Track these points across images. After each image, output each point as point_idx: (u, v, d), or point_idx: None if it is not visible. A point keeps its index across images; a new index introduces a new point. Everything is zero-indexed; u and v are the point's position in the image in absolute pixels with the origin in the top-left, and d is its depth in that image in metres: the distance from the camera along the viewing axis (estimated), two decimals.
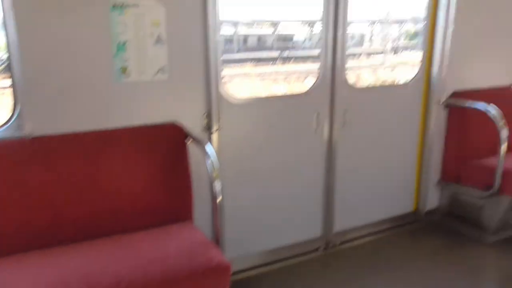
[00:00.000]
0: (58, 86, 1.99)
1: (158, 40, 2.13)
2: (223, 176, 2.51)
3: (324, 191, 2.99)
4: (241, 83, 9.34)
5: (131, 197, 2.15)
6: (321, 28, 2.68)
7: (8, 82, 1.99)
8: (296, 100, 2.79)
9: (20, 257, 1.84)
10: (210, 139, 2.44)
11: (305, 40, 15.38)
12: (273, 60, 11.85)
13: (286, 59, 12.00)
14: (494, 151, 2.89)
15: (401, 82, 3.30)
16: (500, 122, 2.85)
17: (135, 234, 2.05)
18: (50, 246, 1.92)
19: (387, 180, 3.24)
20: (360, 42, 17.64)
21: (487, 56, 3.34)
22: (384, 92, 3.16)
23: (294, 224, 2.93)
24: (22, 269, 1.75)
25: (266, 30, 13.08)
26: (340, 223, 3.09)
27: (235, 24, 11.50)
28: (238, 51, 12.21)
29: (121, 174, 2.13)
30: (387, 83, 7.14)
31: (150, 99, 2.23)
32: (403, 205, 3.39)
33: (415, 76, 3.17)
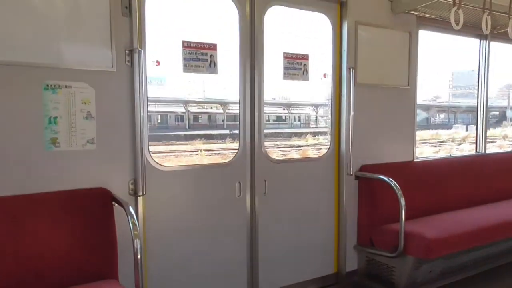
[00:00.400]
0: None
1: (88, 116, 2.44)
2: (150, 237, 2.72)
3: (248, 254, 3.21)
4: (190, 158, 9.62)
5: (56, 257, 2.28)
6: (239, 109, 3.12)
7: None
8: (220, 170, 3.11)
9: None
10: (136, 203, 2.67)
11: None
12: (222, 137, 12.41)
13: (235, 137, 12.60)
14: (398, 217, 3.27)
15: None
16: (399, 192, 3.28)
17: None
18: None
19: (308, 244, 3.51)
20: (307, 122, 18.92)
21: (389, 136, 3.88)
22: (301, 164, 3.57)
23: (219, 285, 3.08)
24: None
25: (217, 110, 13.89)
26: (266, 284, 3.27)
27: (186, 103, 12.19)
28: (189, 128, 12.80)
29: (48, 235, 2.28)
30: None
31: (79, 166, 2.46)
32: (325, 267, 3.64)
33: (327, 151, 3.63)
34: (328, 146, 3.64)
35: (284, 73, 3.29)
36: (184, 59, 2.80)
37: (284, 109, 17.95)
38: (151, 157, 2.77)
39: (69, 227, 2.34)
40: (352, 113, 3.51)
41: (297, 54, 3.33)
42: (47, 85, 2.31)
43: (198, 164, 3.17)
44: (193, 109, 13.19)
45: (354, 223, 3.71)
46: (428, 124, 22.51)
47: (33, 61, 2.28)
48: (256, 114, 3.17)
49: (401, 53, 3.84)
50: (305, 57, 3.37)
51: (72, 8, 2.38)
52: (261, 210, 3.23)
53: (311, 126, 18.27)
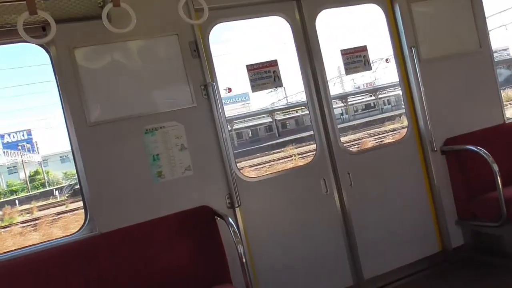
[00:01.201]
0: (115, 194, 2.78)
1: (182, 148, 2.92)
2: (253, 242, 3.07)
3: (347, 246, 3.38)
4: (285, 165, 9.97)
5: (178, 269, 2.74)
6: (308, 111, 3.36)
7: (77, 204, 2.81)
8: (303, 171, 3.37)
9: None
10: (235, 214, 3.05)
11: (342, 113, 16.16)
12: (313, 138, 12.59)
13: None
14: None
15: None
16: (489, 158, 3.18)
17: None
18: None
19: (405, 226, 3.54)
20: (398, 104, 18.12)
21: (470, 104, 3.75)
22: (382, 151, 3.66)
23: (324, 276, 3.28)
24: None
25: (302, 112, 14.14)
26: (369, 271, 3.40)
27: (271, 112, 12.65)
28: (279, 135, 13.21)
29: (169, 252, 2.76)
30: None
31: (183, 191, 2.94)
32: (429, 246, 3.63)
33: (406, 133, 3.66)
34: (406, 127, 3.68)
35: (346, 69, 3.46)
36: (251, 80, 3.17)
37: (371, 96, 17.45)
38: (239, 171, 3.15)
39: (183, 243, 2.80)
40: (422, 89, 3.51)
41: (354, 48, 3.47)
42: (147, 130, 2.85)
43: (281, 170, 3.47)
44: (280, 116, 13.64)
45: (450, 198, 3.65)
46: None
47: (133, 113, 2.84)
48: (326, 111, 3.37)
49: (465, 18, 3.72)
50: (363, 49, 3.49)
51: (153, 62, 2.90)
52: (350, 202, 3.39)
53: (402, 106, 17.46)
